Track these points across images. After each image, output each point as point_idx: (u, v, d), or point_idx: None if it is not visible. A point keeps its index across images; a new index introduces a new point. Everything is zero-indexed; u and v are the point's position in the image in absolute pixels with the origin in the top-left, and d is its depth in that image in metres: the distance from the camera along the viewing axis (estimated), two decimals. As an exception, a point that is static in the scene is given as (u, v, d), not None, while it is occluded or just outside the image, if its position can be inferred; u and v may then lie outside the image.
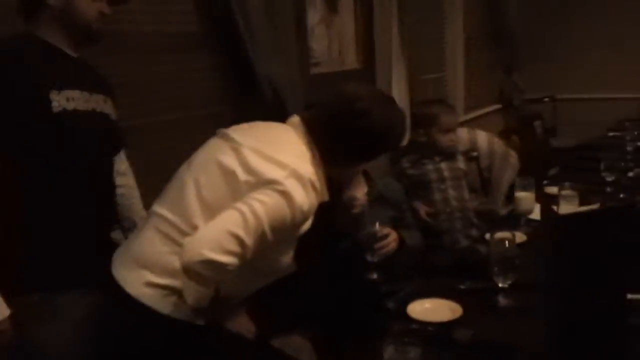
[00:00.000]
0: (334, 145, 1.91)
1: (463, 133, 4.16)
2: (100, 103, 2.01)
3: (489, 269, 2.14)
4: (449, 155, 3.46)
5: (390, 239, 2.28)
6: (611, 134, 4.65)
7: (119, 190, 2.21)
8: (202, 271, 1.64)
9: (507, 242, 2.12)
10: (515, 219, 2.85)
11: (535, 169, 4.32)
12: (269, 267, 1.86)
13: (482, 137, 4.03)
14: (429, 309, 2.06)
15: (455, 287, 2.20)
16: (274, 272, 1.90)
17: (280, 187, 1.72)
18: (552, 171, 3.86)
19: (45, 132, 1.83)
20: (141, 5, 2.71)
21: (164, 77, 2.88)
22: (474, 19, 6.16)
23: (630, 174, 3.36)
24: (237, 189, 1.75)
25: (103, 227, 2.06)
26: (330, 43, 3.86)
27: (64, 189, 1.89)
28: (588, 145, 4.37)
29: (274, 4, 3.08)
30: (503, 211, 3.44)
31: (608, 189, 3.19)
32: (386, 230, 2.27)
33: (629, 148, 3.73)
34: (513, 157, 3.95)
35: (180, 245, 1.71)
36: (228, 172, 1.79)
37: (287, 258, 1.87)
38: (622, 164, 3.38)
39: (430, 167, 3.41)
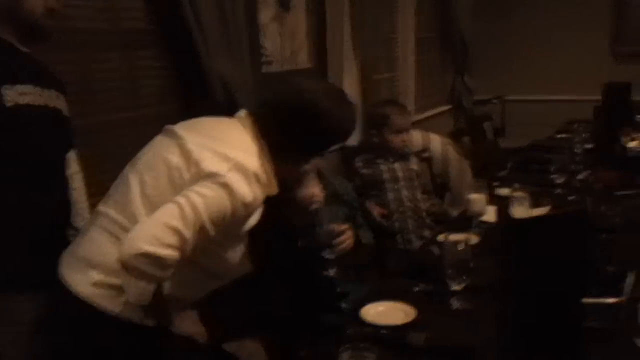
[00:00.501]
0: (283, 138, 1.92)
1: (417, 135, 4.20)
2: (53, 99, 1.99)
3: (443, 271, 2.14)
4: (402, 155, 3.49)
5: (348, 235, 2.31)
6: (559, 135, 4.72)
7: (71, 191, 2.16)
8: (140, 265, 1.63)
9: (460, 244, 2.12)
10: (467, 221, 2.85)
11: (486, 170, 4.38)
12: (219, 266, 1.86)
13: (436, 141, 4.07)
14: (383, 312, 2.05)
15: (409, 290, 2.20)
16: (226, 272, 1.90)
17: (221, 180, 1.72)
18: (503, 172, 3.90)
19: None
20: (89, 2, 2.65)
21: (112, 75, 2.84)
22: (425, 20, 6.21)
23: (580, 176, 3.40)
24: (182, 186, 1.75)
25: (56, 225, 2.01)
26: (282, 41, 3.84)
27: (16, 185, 1.85)
28: (537, 146, 4.41)
29: (225, 1, 3.05)
30: (455, 213, 3.47)
31: (558, 191, 3.22)
32: (343, 226, 2.29)
33: (577, 150, 3.78)
34: (467, 165, 4.02)
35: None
36: (173, 169, 1.80)
37: (235, 256, 1.87)
38: (572, 166, 3.42)
39: (383, 167, 3.44)
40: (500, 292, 1.57)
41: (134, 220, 1.76)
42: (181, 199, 1.68)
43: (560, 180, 3.32)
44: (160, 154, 1.86)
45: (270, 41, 3.71)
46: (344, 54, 4.44)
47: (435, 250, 2.48)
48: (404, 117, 3.45)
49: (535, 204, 2.71)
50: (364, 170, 3.47)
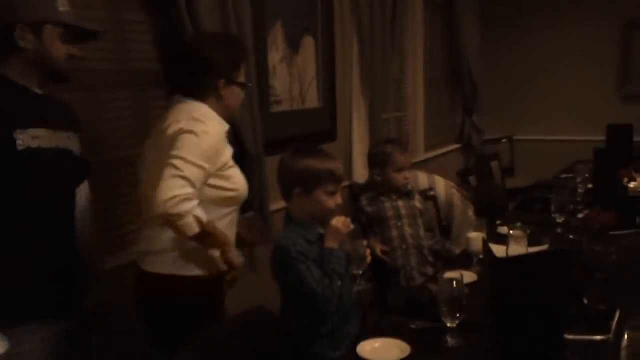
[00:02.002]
0: (190, 80, 2.39)
1: (422, 176, 4.26)
2: (64, 140, 2.05)
3: (439, 308, 2.17)
4: (406, 193, 3.54)
5: (368, 251, 2.41)
6: (563, 175, 4.73)
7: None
8: (173, 209, 2.07)
9: (455, 282, 2.15)
10: (468, 259, 2.88)
11: (492, 209, 4.39)
12: (230, 191, 2.35)
13: (441, 185, 4.13)
14: (379, 349, 2.08)
15: (406, 327, 2.23)
16: (238, 195, 2.40)
17: (182, 131, 2.20)
18: (508, 211, 3.92)
19: (7, 169, 1.86)
20: (101, 43, 2.73)
21: (125, 113, 2.90)
22: (435, 61, 6.29)
23: (580, 216, 3.41)
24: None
25: (61, 262, 2.06)
26: (292, 82, 3.89)
27: (24, 225, 1.92)
28: (543, 185, 4.42)
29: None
30: (457, 251, 3.49)
31: (558, 230, 3.24)
32: (364, 242, 2.40)
33: (579, 190, 3.80)
34: (471, 210, 4.06)
35: None
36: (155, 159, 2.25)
37: (236, 176, 2.39)
38: (572, 206, 3.43)
39: (387, 204, 3.48)
40: (489, 329, 1.60)
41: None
42: (170, 161, 2.14)
43: (560, 219, 3.32)
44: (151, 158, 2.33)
45: (280, 81, 3.78)
46: (353, 94, 4.54)
47: (434, 288, 2.50)
48: (405, 155, 3.51)
49: (534, 243, 2.72)
50: (369, 209, 3.52)
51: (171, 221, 2.12)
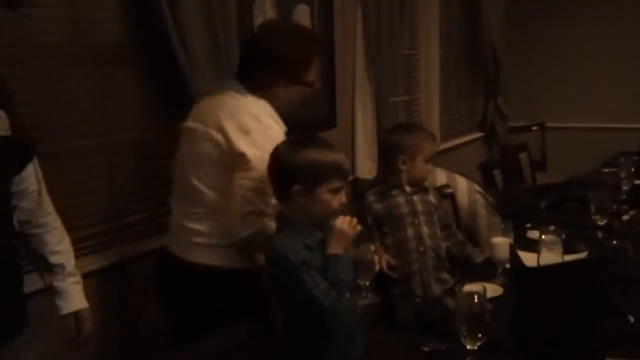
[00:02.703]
0: (251, 73, 2.60)
1: (441, 174, 4.25)
2: None
3: (456, 327, 2.15)
4: (421, 188, 3.51)
5: (376, 259, 2.47)
6: (605, 169, 4.72)
7: (20, 217, 2.21)
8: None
9: (476, 295, 2.12)
10: (491, 268, 2.87)
11: (520, 209, 4.38)
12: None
13: (463, 189, 4.10)
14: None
15: (417, 348, 2.21)
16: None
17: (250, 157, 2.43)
18: (538, 212, 3.91)
19: None
20: (54, 10, 2.70)
21: (80, 95, 2.88)
22: (452, 34, 6.27)
23: (624, 218, 3.41)
24: (227, 164, 2.47)
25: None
26: None
27: None
28: (579, 182, 4.43)
29: (215, 16, 3.10)
30: (479, 258, 3.49)
31: (598, 235, 3.22)
32: (371, 246, 2.47)
33: (624, 187, 3.78)
34: (496, 217, 4.04)
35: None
36: (214, 156, 2.49)
37: None
38: (614, 206, 3.41)
39: (400, 199, 3.44)
40: (515, 352, 1.59)
41: (208, 206, 2.53)
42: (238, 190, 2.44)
43: (601, 222, 3.31)
44: (197, 150, 2.55)
45: None
46: (355, 73, 4.53)
47: (450, 302, 2.49)
48: (435, 144, 3.49)
49: (570, 250, 2.71)
50: (378, 205, 3.47)
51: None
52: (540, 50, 6.92)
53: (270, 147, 2.36)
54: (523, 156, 5.69)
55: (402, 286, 3.38)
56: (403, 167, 3.46)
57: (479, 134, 6.82)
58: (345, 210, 2.37)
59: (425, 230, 3.43)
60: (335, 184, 2.29)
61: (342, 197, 2.32)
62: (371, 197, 3.51)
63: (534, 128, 7.00)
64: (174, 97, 3.04)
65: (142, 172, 3.16)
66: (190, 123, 2.63)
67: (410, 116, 5.72)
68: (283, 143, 2.37)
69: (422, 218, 3.45)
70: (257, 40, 2.67)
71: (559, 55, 6.88)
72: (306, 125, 3.83)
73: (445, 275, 3.43)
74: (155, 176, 3.17)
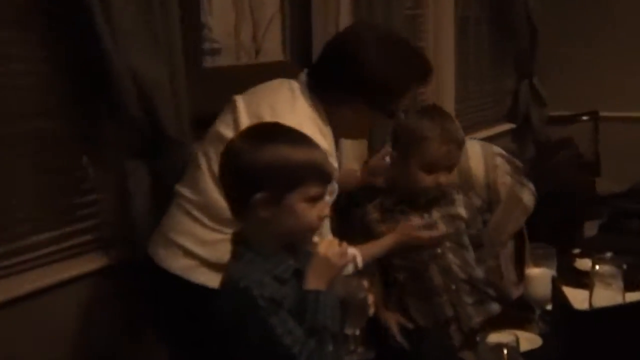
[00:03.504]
0: (330, 85, 2.89)
1: None
2: None
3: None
4: (441, 195, 3.47)
5: (370, 299, 2.49)
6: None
7: None
8: None
9: (506, 348, 2.12)
10: (526, 310, 2.91)
11: (563, 229, 4.37)
12: None
13: (476, 154, 3.94)
14: None
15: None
16: None
17: None
18: (589, 232, 3.92)
19: None
20: None
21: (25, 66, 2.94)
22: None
23: None
24: None
25: None
26: (239, 19, 3.90)
27: None
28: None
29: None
30: (515, 292, 3.54)
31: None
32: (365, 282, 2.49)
33: None
34: (528, 193, 3.97)
35: (200, 221, 2.84)
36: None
37: None
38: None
39: (415, 219, 3.39)
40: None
41: (206, 196, 2.83)
42: None
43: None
44: (217, 128, 2.93)
45: (219, 18, 3.78)
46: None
47: (470, 357, 2.50)
48: (448, 147, 3.38)
49: (633, 286, 2.73)
50: (383, 228, 3.44)
51: None
52: (591, 13, 6.93)
53: None
54: (566, 155, 5.71)
55: (434, 338, 3.37)
56: (402, 172, 3.44)
57: (508, 126, 6.83)
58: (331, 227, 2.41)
59: (452, 259, 3.41)
60: (313, 191, 2.28)
61: (323, 209, 2.32)
62: (373, 214, 3.47)
63: (584, 118, 7.01)
64: (90, 75, 3.05)
65: (45, 174, 3.13)
66: (237, 97, 2.98)
67: (415, 101, 5.70)
68: (240, 136, 2.38)
69: (447, 244, 3.42)
70: (345, 48, 2.93)
71: (615, 20, 6.90)
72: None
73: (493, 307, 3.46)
74: (64, 180, 3.18)
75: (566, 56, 6.92)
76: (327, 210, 2.36)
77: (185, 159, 3.26)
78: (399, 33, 3.46)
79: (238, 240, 2.35)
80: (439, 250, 3.39)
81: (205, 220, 2.84)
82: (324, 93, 2.87)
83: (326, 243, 2.32)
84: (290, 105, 2.82)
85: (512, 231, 3.44)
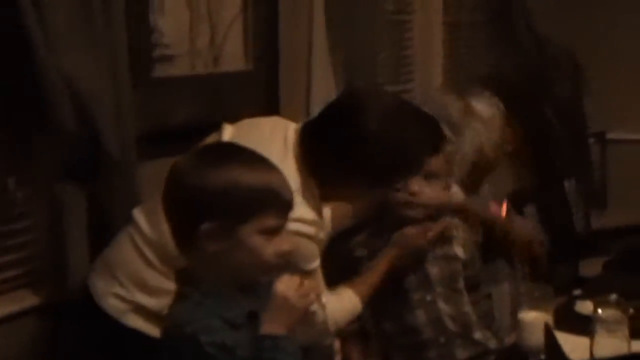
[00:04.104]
0: (327, 160, 2.89)
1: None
2: None
3: None
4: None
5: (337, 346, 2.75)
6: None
7: None
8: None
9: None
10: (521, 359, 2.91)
11: (563, 267, 4.38)
12: None
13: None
14: None
15: None
16: None
17: None
18: (592, 271, 3.92)
19: None
20: None
21: None
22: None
23: None
24: None
25: None
26: (194, 21, 3.90)
27: None
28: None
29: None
30: (508, 339, 3.51)
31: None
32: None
33: None
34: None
35: (152, 264, 2.83)
36: None
37: None
38: None
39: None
40: None
41: (162, 231, 2.70)
42: None
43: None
44: None
45: (172, 19, 3.78)
46: (313, 47, 4.52)
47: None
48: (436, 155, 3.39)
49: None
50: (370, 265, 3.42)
51: None
52: (601, 24, 6.98)
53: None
54: (570, 184, 5.71)
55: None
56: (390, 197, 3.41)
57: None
58: (289, 264, 2.37)
59: (444, 309, 3.40)
60: (270, 222, 2.26)
61: (281, 244, 2.29)
62: (360, 251, 3.44)
63: (590, 140, 7.01)
64: (17, 83, 3.02)
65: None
66: (227, 126, 3.02)
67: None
68: (187, 157, 2.36)
69: (438, 290, 3.41)
70: (350, 120, 2.91)
71: (629, 29, 6.92)
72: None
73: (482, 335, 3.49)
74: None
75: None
76: (286, 246, 2.32)
77: (130, 182, 3.28)
78: (404, 99, 3.53)
79: (184, 279, 2.33)
80: (428, 298, 3.38)
81: (156, 263, 2.82)
82: (320, 173, 2.91)
83: (286, 281, 2.28)
84: (280, 162, 2.65)
85: None
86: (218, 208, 2.22)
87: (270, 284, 2.30)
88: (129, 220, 3.00)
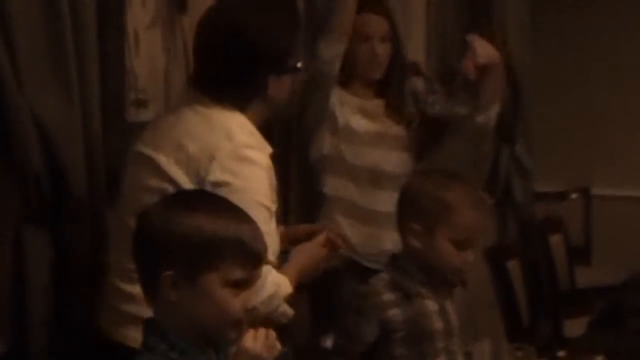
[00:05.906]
0: (222, 79, 2.93)
1: None
2: None
3: None
4: (448, 280, 3.44)
5: None
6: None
7: None
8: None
9: None
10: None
11: (546, 326, 4.34)
12: None
13: None
14: None
15: None
16: None
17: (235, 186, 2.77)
18: (577, 331, 3.89)
19: None
20: None
21: None
22: (446, 41, 6.25)
23: None
24: None
25: None
26: (170, 63, 3.90)
27: None
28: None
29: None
30: None
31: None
32: None
33: None
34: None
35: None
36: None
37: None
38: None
39: (430, 304, 3.35)
40: None
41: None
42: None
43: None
44: (142, 185, 2.91)
45: (147, 62, 3.79)
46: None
47: None
48: (478, 211, 3.38)
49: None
50: (395, 311, 3.31)
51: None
52: (584, 73, 6.99)
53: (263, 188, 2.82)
54: (556, 240, 5.68)
55: None
56: (417, 244, 3.33)
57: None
58: (254, 317, 2.38)
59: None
60: (236, 273, 2.23)
61: (249, 299, 2.27)
62: (387, 295, 3.35)
63: (573, 196, 7.07)
64: None
65: None
66: (140, 147, 2.98)
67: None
68: (157, 202, 2.40)
69: (455, 340, 3.40)
70: (223, 29, 2.94)
71: (612, 83, 6.97)
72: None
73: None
74: None
75: (553, 122, 7.02)
76: (254, 302, 2.34)
77: (98, 227, 3.28)
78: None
79: (150, 329, 2.29)
80: (450, 346, 3.36)
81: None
82: (230, 96, 2.92)
83: (252, 335, 2.26)
84: (234, 127, 2.86)
85: None
86: (180, 254, 2.21)
87: (235, 339, 2.29)
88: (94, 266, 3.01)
